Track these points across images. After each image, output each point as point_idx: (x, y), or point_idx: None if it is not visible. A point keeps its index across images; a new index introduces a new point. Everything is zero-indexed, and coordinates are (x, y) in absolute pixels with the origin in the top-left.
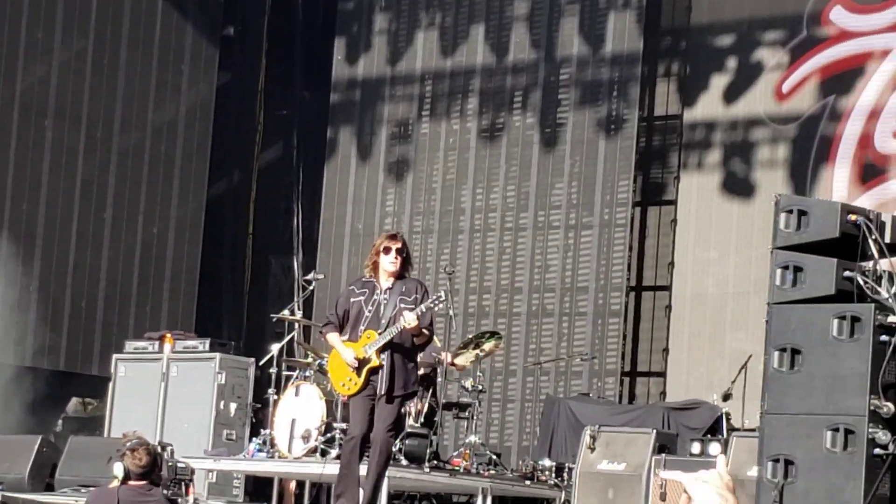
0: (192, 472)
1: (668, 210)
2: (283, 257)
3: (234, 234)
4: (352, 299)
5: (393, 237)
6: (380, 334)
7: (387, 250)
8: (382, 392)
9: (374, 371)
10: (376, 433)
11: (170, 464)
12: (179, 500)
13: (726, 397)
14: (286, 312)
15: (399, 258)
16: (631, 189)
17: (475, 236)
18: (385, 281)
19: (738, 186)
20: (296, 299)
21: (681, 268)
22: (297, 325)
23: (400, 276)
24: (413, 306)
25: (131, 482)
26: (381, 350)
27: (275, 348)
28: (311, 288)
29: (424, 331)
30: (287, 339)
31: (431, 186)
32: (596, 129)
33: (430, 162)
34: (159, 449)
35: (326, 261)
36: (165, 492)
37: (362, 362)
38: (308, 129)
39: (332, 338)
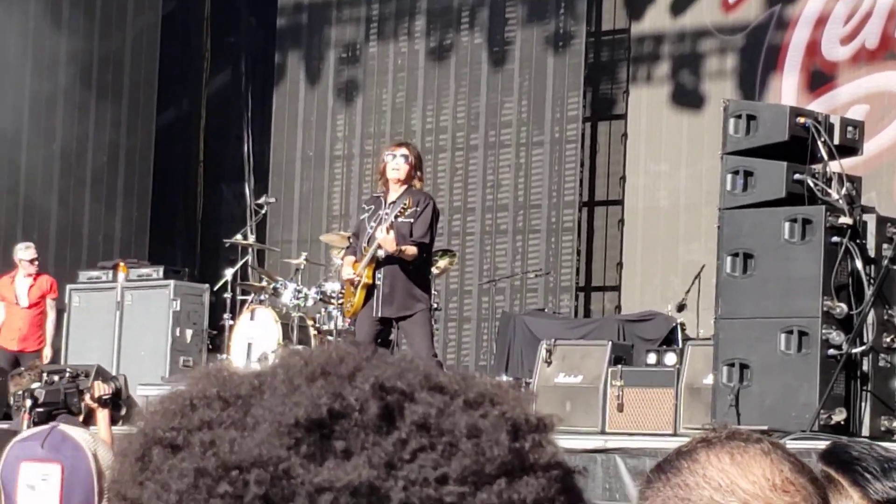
0: None
1: (619, 125)
2: (235, 184)
3: (184, 162)
4: (361, 217)
5: (398, 144)
6: (365, 250)
7: (391, 157)
8: (377, 315)
9: (371, 290)
10: None
11: None
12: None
13: (681, 308)
14: (239, 237)
15: (404, 164)
16: (581, 105)
17: (426, 157)
18: (394, 192)
19: (688, 98)
20: (248, 223)
21: (632, 182)
22: (250, 250)
23: (408, 186)
24: (412, 220)
25: None
26: (374, 267)
27: (229, 273)
28: (262, 212)
29: (405, 249)
30: (241, 263)
31: (381, 109)
32: (544, 46)
33: (378, 84)
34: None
35: (278, 186)
36: None
37: (356, 281)
38: (256, 55)
39: (345, 260)
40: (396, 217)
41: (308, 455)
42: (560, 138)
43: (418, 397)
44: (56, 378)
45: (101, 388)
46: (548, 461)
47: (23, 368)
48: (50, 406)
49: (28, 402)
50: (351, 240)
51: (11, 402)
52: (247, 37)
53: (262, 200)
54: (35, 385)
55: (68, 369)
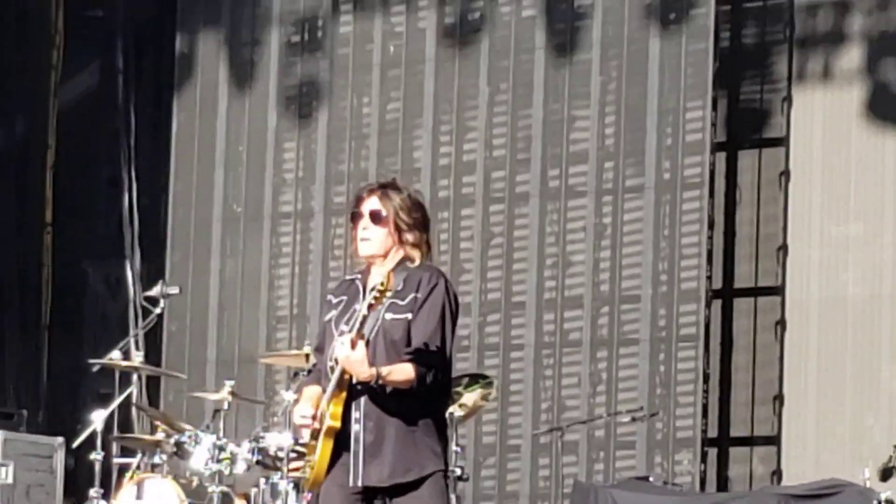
0: None
1: (774, 154)
2: (108, 262)
3: (19, 224)
4: (325, 318)
5: (371, 190)
6: (331, 373)
7: (354, 217)
8: (355, 484)
9: (342, 440)
10: None
11: None
12: None
13: (887, 474)
14: (116, 354)
15: (378, 228)
16: (708, 122)
17: (439, 212)
18: (377, 273)
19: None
20: (132, 332)
21: (799, 254)
22: (135, 377)
23: (400, 262)
24: (408, 314)
25: None
26: (345, 399)
27: (98, 419)
28: (157, 311)
29: (386, 375)
30: (119, 400)
31: (360, 129)
32: (644, 22)
33: (355, 87)
34: None
35: (184, 266)
36: None
37: (320, 426)
38: (141, 38)
39: (301, 394)
40: (369, 309)
41: None
42: (672, 180)
43: None
44: None
45: None
46: None
47: None
48: None
49: None
50: (313, 357)
51: None
52: (125, 9)
53: (155, 291)
54: None
55: None
